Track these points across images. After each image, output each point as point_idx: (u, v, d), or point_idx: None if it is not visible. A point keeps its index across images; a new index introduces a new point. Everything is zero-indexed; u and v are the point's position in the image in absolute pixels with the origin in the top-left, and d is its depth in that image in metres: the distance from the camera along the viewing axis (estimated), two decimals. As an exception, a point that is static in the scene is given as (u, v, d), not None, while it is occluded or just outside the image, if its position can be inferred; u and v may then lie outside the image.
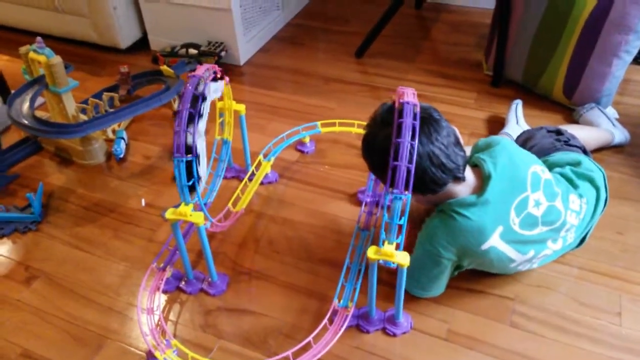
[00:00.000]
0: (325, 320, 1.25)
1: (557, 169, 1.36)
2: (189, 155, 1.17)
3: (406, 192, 1.01)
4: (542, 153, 1.42)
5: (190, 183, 1.19)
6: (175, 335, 1.29)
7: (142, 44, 2.52)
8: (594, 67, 1.83)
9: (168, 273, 1.41)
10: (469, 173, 1.20)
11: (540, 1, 1.85)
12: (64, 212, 1.66)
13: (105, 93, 1.98)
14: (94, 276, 1.46)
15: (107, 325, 1.33)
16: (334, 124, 1.82)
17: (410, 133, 1.01)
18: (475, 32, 2.54)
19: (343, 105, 2.08)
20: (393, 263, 1.09)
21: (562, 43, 1.85)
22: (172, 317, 1.34)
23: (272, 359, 1.18)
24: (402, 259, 1.09)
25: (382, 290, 1.29)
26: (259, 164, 1.71)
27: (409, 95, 1.08)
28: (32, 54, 1.71)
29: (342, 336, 1.23)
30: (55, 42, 2.47)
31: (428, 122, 1.11)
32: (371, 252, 1.10)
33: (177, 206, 1.22)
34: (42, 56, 1.65)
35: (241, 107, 1.58)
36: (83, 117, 1.83)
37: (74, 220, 1.63)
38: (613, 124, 1.78)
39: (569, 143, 1.46)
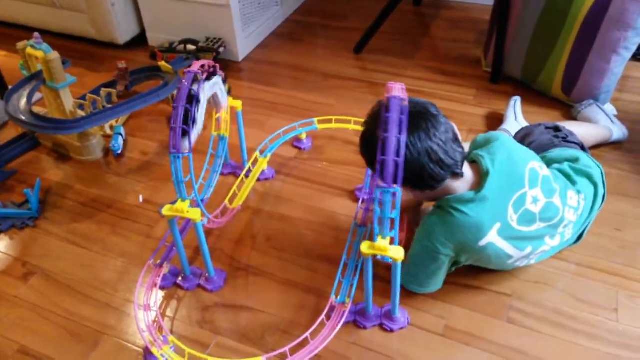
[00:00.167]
0: (323, 316, 1.25)
1: (555, 165, 1.36)
2: (185, 151, 1.16)
3: (395, 186, 1.00)
4: (540, 149, 1.42)
5: (187, 179, 1.19)
6: (172, 332, 1.30)
7: (140, 40, 2.51)
8: (592, 64, 1.82)
9: (165, 269, 1.40)
10: (467, 169, 1.20)
11: (539, -3, 1.85)
12: (61, 208, 1.66)
13: (103, 89, 1.98)
14: (92, 272, 1.46)
15: (104, 322, 1.33)
16: (330, 121, 1.82)
17: (398, 127, 1.01)
18: (474, 28, 2.54)
19: (342, 101, 2.08)
20: (387, 258, 1.09)
21: (561, 40, 1.85)
22: (169, 313, 1.34)
23: (269, 355, 1.18)
24: (396, 253, 1.09)
25: (380, 286, 1.29)
26: (256, 160, 1.71)
27: (397, 90, 1.08)
28: (29, 50, 1.70)
29: (340, 332, 1.23)
30: (53, 37, 2.46)
31: (426, 117, 1.11)
32: (365, 247, 1.10)
33: (174, 202, 1.22)
34: (40, 52, 1.65)
35: (237, 103, 1.58)
36: (80, 113, 1.82)
37: (72, 216, 1.63)
38: (611, 121, 1.78)
39: (567, 139, 1.46)
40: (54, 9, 2.44)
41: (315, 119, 1.82)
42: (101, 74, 2.27)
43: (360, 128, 1.76)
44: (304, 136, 1.84)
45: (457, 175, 1.17)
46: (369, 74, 2.25)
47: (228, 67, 2.32)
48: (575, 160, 1.38)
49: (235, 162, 1.76)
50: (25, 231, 1.59)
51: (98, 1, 2.30)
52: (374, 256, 1.11)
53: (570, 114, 1.90)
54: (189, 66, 1.28)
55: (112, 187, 1.73)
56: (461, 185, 1.19)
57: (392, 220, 1.06)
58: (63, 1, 2.38)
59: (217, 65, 1.40)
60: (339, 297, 1.31)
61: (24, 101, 1.74)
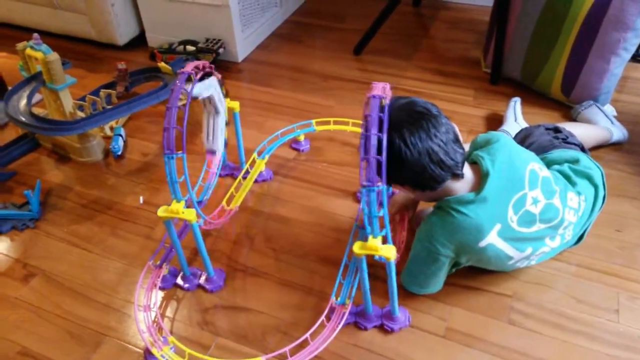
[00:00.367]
0: (323, 318, 1.25)
1: (556, 167, 1.36)
2: (179, 152, 1.17)
3: (379, 184, 1.01)
4: (540, 150, 1.42)
5: (181, 180, 1.19)
6: (172, 333, 1.30)
7: (139, 41, 2.51)
8: (592, 65, 1.82)
9: (165, 270, 1.40)
10: (467, 170, 1.20)
11: (538, -2, 1.85)
12: (61, 209, 1.66)
13: (102, 90, 1.98)
14: (92, 274, 1.46)
15: (105, 323, 1.33)
16: (328, 122, 1.81)
17: (378, 126, 1.01)
18: (473, 29, 2.54)
19: (341, 102, 2.08)
20: (380, 257, 1.09)
21: (560, 41, 1.85)
22: (169, 314, 1.34)
23: (269, 356, 1.18)
24: (387, 252, 1.09)
25: (381, 287, 1.30)
26: (254, 161, 1.71)
27: (378, 89, 1.08)
28: (29, 51, 1.70)
29: (340, 333, 1.23)
30: (53, 38, 2.46)
31: (427, 118, 1.11)
32: (357, 247, 1.10)
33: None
34: (39, 53, 1.65)
35: (235, 105, 1.58)
36: (80, 114, 1.82)
37: (72, 217, 1.63)
38: (611, 122, 1.78)
39: (567, 141, 1.46)
40: (54, 9, 2.44)
41: (314, 121, 1.82)
42: (101, 75, 2.27)
43: (358, 129, 1.78)
44: (302, 138, 1.84)
45: (458, 176, 1.17)
46: (369, 75, 2.25)
47: (227, 68, 2.33)
48: (575, 161, 1.38)
49: (233, 164, 1.76)
50: (25, 232, 1.59)
51: (98, 2, 2.30)
52: (372, 257, 1.11)
53: (570, 115, 1.90)
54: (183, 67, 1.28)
55: (112, 189, 1.73)
56: (461, 186, 1.19)
57: (381, 219, 1.05)
58: (63, 2, 2.38)
59: (213, 66, 1.40)
60: (339, 299, 1.31)
61: (23, 102, 1.74)
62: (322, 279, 1.40)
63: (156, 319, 1.30)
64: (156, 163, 1.82)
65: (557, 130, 1.50)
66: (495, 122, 1.91)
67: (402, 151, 1.09)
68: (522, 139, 1.51)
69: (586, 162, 1.39)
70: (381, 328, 1.28)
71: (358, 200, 1.62)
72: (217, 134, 1.52)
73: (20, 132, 1.91)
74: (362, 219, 1.52)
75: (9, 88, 1.79)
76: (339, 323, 1.24)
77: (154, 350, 1.19)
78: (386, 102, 1.05)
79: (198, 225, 1.28)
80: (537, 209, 1.22)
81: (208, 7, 2.24)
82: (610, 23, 1.72)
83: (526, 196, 1.20)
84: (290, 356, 1.17)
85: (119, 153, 1.83)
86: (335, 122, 1.81)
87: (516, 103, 1.88)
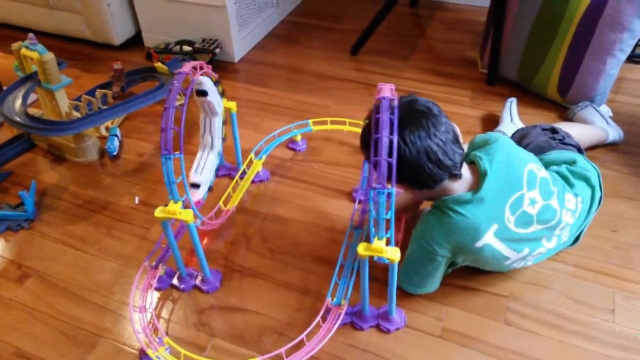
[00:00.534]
0: (319, 318, 1.25)
1: (554, 167, 1.36)
2: (177, 152, 1.16)
3: (389, 186, 1.01)
4: (537, 151, 1.41)
5: (179, 180, 1.19)
6: (168, 334, 1.29)
7: (135, 41, 2.50)
8: (588, 66, 1.83)
9: (161, 271, 1.40)
10: (465, 170, 1.20)
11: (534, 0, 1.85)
12: (56, 210, 1.65)
13: (98, 90, 1.97)
14: (87, 274, 1.45)
15: (100, 324, 1.32)
16: (325, 122, 1.81)
17: (389, 128, 1.01)
18: (470, 30, 2.54)
19: (338, 102, 2.08)
20: (384, 259, 1.09)
21: (557, 41, 1.85)
22: (165, 315, 1.34)
23: (264, 357, 1.18)
24: (393, 254, 1.09)
25: (376, 287, 1.29)
26: (251, 162, 1.71)
27: (387, 91, 1.08)
28: (24, 51, 1.70)
29: (336, 334, 1.23)
30: (48, 38, 2.45)
31: (427, 117, 1.11)
32: (361, 249, 1.10)
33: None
34: (35, 53, 1.64)
35: (232, 105, 1.58)
36: (76, 114, 1.82)
37: (67, 218, 1.62)
38: (607, 122, 1.78)
39: (563, 142, 1.46)
40: (49, 9, 2.43)
41: (310, 121, 1.82)
42: (97, 75, 2.27)
43: (355, 129, 1.78)
44: (299, 138, 1.84)
45: (456, 176, 1.17)
46: (365, 76, 2.25)
47: (224, 68, 2.32)
48: (572, 162, 1.38)
49: (230, 164, 1.76)
50: (20, 233, 1.58)
51: (94, 2, 2.29)
52: (371, 257, 1.11)
53: (566, 116, 1.91)
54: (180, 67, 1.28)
55: (108, 189, 1.72)
56: (459, 186, 1.19)
57: (388, 221, 1.06)
58: (58, 2, 2.38)
59: (210, 66, 1.40)
60: (335, 299, 1.30)
61: (19, 102, 1.73)
62: (318, 280, 1.40)
63: (152, 320, 1.29)
64: (152, 163, 1.82)
65: (553, 130, 1.51)
66: (491, 122, 1.91)
67: (400, 149, 1.08)
68: (519, 139, 1.52)
69: (583, 164, 1.39)
70: (377, 328, 1.28)
71: (353, 201, 1.61)
72: (207, 167, 1.52)
73: (16, 132, 1.90)
74: (357, 219, 1.52)
75: (4, 88, 1.78)
76: (335, 323, 1.24)
77: (149, 351, 1.19)
78: (395, 104, 1.05)
79: (195, 225, 1.28)
80: (535, 210, 1.22)
81: (204, 7, 2.23)
82: (606, 24, 1.73)
83: (524, 197, 1.20)
84: (286, 357, 1.17)
85: (115, 153, 1.83)
86: (332, 122, 1.81)
87: (512, 103, 1.88)
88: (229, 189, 1.62)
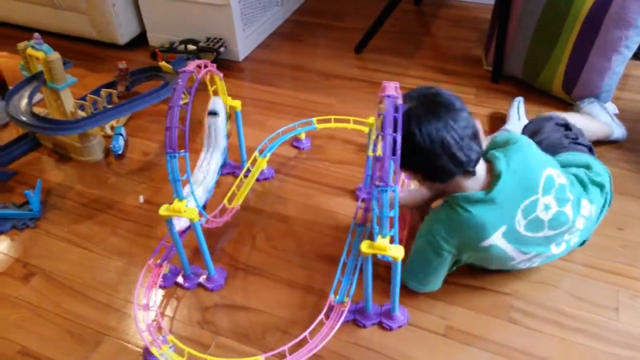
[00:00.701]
0: (322, 316, 1.25)
1: (572, 169, 1.33)
2: (181, 151, 1.17)
3: (392, 185, 1.01)
4: (550, 150, 1.38)
5: (184, 178, 1.19)
6: (173, 332, 1.29)
7: (140, 40, 2.51)
8: (593, 63, 1.82)
9: (165, 269, 1.40)
10: (481, 168, 1.19)
11: (539, -4, 1.84)
12: (62, 209, 1.66)
13: (103, 89, 1.98)
14: (92, 273, 1.46)
15: (105, 322, 1.33)
16: (329, 120, 1.81)
17: (392, 126, 1.01)
18: (475, 27, 2.53)
19: (342, 100, 2.08)
20: (388, 257, 1.09)
21: (562, 38, 1.84)
22: (169, 313, 1.34)
23: (267, 354, 1.18)
24: (396, 252, 1.09)
25: (379, 285, 1.29)
26: (255, 160, 1.71)
27: (392, 89, 1.08)
28: (30, 50, 1.71)
29: (339, 332, 1.23)
30: (54, 38, 2.46)
31: (448, 109, 1.11)
32: (365, 247, 1.10)
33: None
34: (40, 52, 1.65)
35: (237, 103, 1.58)
36: (81, 114, 1.83)
37: (72, 217, 1.63)
38: (612, 119, 1.77)
39: (577, 141, 1.44)
40: (55, 9, 2.44)
41: (314, 119, 1.82)
42: (102, 75, 2.27)
43: (359, 127, 1.78)
44: (303, 136, 1.84)
45: (469, 173, 1.16)
46: (370, 74, 2.25)
47: (228, 67, 2.32)
48: (588, 167, 1.35)
49: (234, 162, 1.76)
50: (25, 232, 1.59)
51: (99, 2, 2.30)
52: (374, 255, 1.11)
53: (572, 111, 1.90)
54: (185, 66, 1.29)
55: (113, 188, 1.73)
56: (472, 184, 1.18)
57: (391, 219, 1.05)
58: (63, 2, 2.39)
59: (215, 65, 1.40)
60: (338, 297, 1.31)
61: (24, 102, 1.74)
62: (322, 277, 1.40)
63: (156, 318, 1.30)
64: (157, 162, 1.82)
65: (567, 127, 1.48)
66: (497, 120, 1.90)
67: (416, 137, 1.08)
68: (532, 133, 1.49)
69: (598, 169, 1.36)
70: (380, 326, 1.28)
71: (357, 199, 1.61)
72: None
73: (21, 131, 1.91)
74: (360, 217, 1.52)
75: (10, 88, 1.79)
76: (338, 321, 1.24)
77: (153, 349, 1.19)
78: (399, 102, 1.06)
79: (200, 223, 1.28)
80: (547, 216, 1.20)
81: (209, 6, 2.24)
82: (612, 21, 1.72)
83: (538, 202, 1.19)
84: (290, 354, 1.17)
85: (120, 152, 1.83)
86: (336, 120, 1.81)
87: (520, 103, 1.87)
88: (234, 187, 1.62)
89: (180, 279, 1.41)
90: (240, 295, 1.38)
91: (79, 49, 2.50)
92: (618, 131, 1.75)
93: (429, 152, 1.10)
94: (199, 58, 2.11)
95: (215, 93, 1.57)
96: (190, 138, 1.87)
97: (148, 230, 1.57)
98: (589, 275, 1.37)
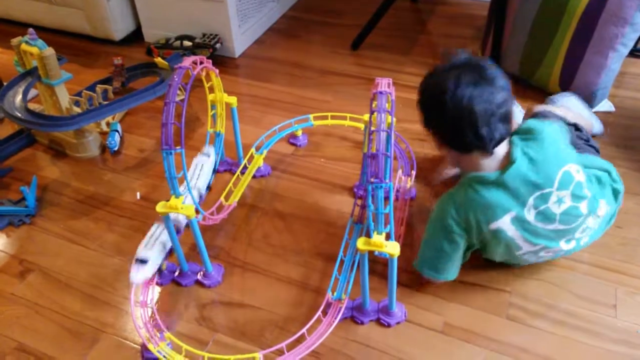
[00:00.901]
0: (319, 313, 1.25)
1: (594, 171, 1.31)
2: (177, 147, 1.16)
3: (387, 181, 1.01)
4: None
5: (180, 175, 1.19)
6: (171, 329, 1.29)
7: (136, 36, 2.50)
8: (590, 60, 1.82)
9: (162, 266, 1.40)
10: (501, 149, 1.18)
11: (536, -7, 1.84)
12: (58, 205, 1.65)
13: (98, 85, 1.97)
14: (89, 269, 1.45)
15: (102, 319, 1.33)
16: (326, 117, 1.81)
17: (385, 123, 1.02)
18: (471, 24, 2.53)
19: (339, 97, 2.07)
20: (384, 253, 1.09)
21: (559, 36, 1.85)
22: (167, 310, 1.34)
23: (265, 351, 1.18)
24: (392, 248, 1.09)
25: (377, 282, 1.30)
26: (252, 157, 1.70)
27: (384, 85, 1.09)
28: (24, 46, 1.70)
29: (337, 328, 1.23)
30: (48, 33, 2.45)
31: (488, 83, 1.11)
32: (360, 243, 1.10)
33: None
34: (35, 48, 1.64)
35: (233, 100, 1.57)
36: (76, 110, 1.81)
37: (68, 213, 1.62)
38: (591, 114, 1.78)
39: (589, 143, 1.43)
40: (49, 4, 2.43)
41: (311, 115, 1.82)
42: (97, 71, 2.26)
43: (356, 124, 1.78)
44: (299, 132, 1.83)
45: (487, 152, 1.16)
46: (366, 70, 2.24)
47: (224, 63, 2.32)
48: (608, 173, 1.35)
49: (231, 159, 1.76)
50: (21, 229, 1.58)
51: (94, -3, 2.29)
52: (371, 252, 1.11)
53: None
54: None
55: (109, 184, 1.72)
56: (489, 164, 1.18)
57: (387, 216, 1.05)
58: (58, -3, 2.37)
59: (210, 61, 1.39)
60: (335, 294, 1.30)
61: (19, 98, 1.73)
62: (319, 274, 1.40)
63: (153, 315, 1.29)
64: (153, 159, 1.82)
65: (577, 127, 1.47)
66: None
67: (448, 95, 1.09)
68: None
69: (615, 176, 1.35)
70: (378, 322, 1.28)
71: (354, 196, 1.61)
72: (154, 241, 1.41)
73: (16, 127, 1.90)
74: (357, 214, 1.52)
75: (5, 84, 1.78)
76: (336, 318, 1.24)
77: (151, 346, 1.19)
78: (392, 98, 1.06)
79: (197, 220, 1.28)
80: (560, 209, 1.19)
81: (205, 2, 2.23)
82: (608, 18, 1.72)
83: (551, 194, 1.17)
84: (287, 351, 1.17)
85: (116, 149, 1.83)
86: (333, 117, 1.81)
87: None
88: (230, 184, 1.62)
89: (177, 276, 1.40)
90: (238, 292, 1.37)
91: (74, 44, 2.49)
92: (597, 125, 1.75)
93: (454, 115, 1.10)
94: (195, 54, 2.12)
95: (212, 89, 1.57)
96: (186, 135, 1.86)
97: (145, 226, 1.55)
98: (588, 272, 1.38)
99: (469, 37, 2.43)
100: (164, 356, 1.18)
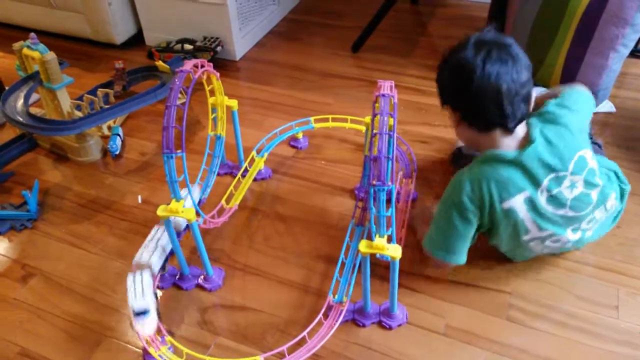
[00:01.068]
0: (320, 315, 1.25)
1: (604, 170, 1.31)
2: (178, 151, 1.17)
3: (389, 184, 1.01)
4: None
5: (181, 179, 1.19)
6: (172, 333, 1.29)
7: (137, 40, 2.51)
8: (590, 61, 1.82)
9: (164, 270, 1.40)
10: (520, 130, 1.19)
11: (536, -6, 1.84)
12: (59, 209, 1.66)
13: (100, 89, 1.97)
14: (91, 273, 1.45)
15: (104, 323, 1.33)
16: (327, 120, 1.81)
17: (387, 126, 1.02)
18: (471, 25, 2.53)
19: (340, 100, 2.07)
20: (386, 256, 1.09)
21: (559, 37, 1.84)
22: (168, 314, 1.34)
23: (266, 355, 1.18)
24: (394, 251, 1.09)
25: (378, 284, 1.30)
26: (252, 160, 1.71)
27: (386, 88, 1.09)
28: (25, 50, 1.70)
29: (338, 331, 1.23)
30: (50, 38, 2.46)
31: (515, 62, 1.11)
32: (363, 246, 1.10)
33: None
34: (36, 52, 1.64)
35: (233, 103, 1.58)
36: (78, 114, 1.82)
37: (70, 217, 1.63)
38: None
39: (593, 140, 1.44)
40: (50, 9, 2.43)
41: (312, 118, 1.82)
42: (98, 74, 2.27)
43: (357, 126, 1.78)
44: (300, 135, 1.84)
45: (508, 130, 1.16)
46: (367, 73, 2.24)
47: (225, 66, 2.32)
48: (616, 174, 1.35)
49: (231, 162, 1.76)
50: (23, 233, 1.58)
51: (95, 1, 2.29)
52: (373, 255, 1.11)
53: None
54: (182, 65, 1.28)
55: (111, 188, 1.72)
56: (508, 142, 1.18)
57: (389, 219, 1.05)
58: (59, 1, 2.38)
59: (211, 64, 1.40)
60: (336, 296, 1.30)
61: (21, 102, 1.73)
62: (320, 277, 1.40)
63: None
64: (154, 162, 1.82)
65: None
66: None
67: (476, 72, 1.09)
68: None
69: (622, 177, 1.36)
70: (379, 325, 1.28)
71: (355, 198, 1.61)
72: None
73: (18, 132, 1.90)
74: (358, 216, 1.52)
75: (6, 88, 1.78)
76: (337, 320, 1.24)
77: (152, 350, 1.19)
78: (394, 101, 1.06)
79: (197, 224, 1.28)
80: (572, 194, 1.19)
81: (206, 6, 2.23)
82: (609, 18, 1.72)
83: (565, 178, 1.18)
84: (288, 354, 1.17)
85: (117, 152, 1.83)
86: (334, 120, 1.81)
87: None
88: (231, 187, 1.62)
89: (178, 280, 1.40)
90: (239, 295, 1.38)
91: (75, 48, 2.49)
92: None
93: (481, 91, 1.10)
94: (196, 57, 2.12)
95: (212, 92, 1.57)
96: (187, 138, 1.87)
97: (146, 230, 1.55)
98: (589, 273, 1.37)
99: (469, 39, 2.42)
100: (166, 360, 1.18)
